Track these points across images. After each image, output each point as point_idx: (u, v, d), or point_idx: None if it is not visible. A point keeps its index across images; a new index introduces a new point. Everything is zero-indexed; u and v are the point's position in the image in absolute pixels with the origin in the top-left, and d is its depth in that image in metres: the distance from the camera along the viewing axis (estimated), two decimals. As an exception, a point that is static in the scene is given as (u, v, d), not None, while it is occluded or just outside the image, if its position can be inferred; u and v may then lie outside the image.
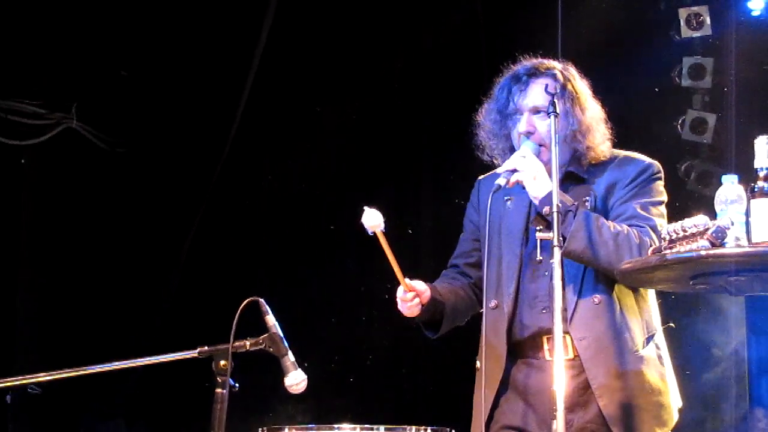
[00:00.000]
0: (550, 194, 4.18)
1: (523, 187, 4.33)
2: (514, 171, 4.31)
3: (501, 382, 4.44)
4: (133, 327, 7.14)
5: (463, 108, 4.87)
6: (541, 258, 4.35)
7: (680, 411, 4.45)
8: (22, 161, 7.26)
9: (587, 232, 4.21)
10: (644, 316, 4.44)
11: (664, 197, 4.50)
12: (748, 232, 3.74)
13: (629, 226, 4.30)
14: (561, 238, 4.03)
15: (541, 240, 4.32)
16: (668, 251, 3.76)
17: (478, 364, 4.58)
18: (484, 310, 4.56)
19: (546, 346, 4.41)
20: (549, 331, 4.32)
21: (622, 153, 4.59)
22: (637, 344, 4.36)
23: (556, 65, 4.58)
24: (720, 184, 7.07)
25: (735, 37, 7.26)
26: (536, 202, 4.31)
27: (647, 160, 4.55)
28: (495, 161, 4.66)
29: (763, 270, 3.69)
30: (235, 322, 3.91)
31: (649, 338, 4.42)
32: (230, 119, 7.47)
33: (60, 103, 7.37)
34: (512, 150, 4.53)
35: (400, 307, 4.46)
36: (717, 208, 3.81)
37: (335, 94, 7.45)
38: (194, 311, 7.02)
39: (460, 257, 4.82)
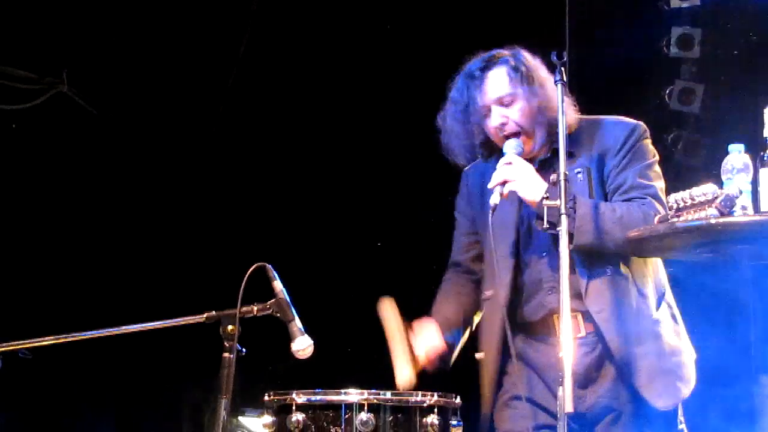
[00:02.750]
0: (548, 191, 4.18)
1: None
2: (505, 182, 4.29)
3: (502, 362, 4.49)
4: (130, 293, 7.13)
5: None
6: (547, 225, 4.29)
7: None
8: (13, 126, 7.22)
9: (592, 224, 4.22)
10: (654, 277, 4.48)
11: (656, 156, 4.51)
12: (754, 200, 3.77)
13: (630, 199, 4.32)
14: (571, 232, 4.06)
15: (536, 227, 4.33)
16: (677, 219, 3.78)
17: (477, 356, 4.64)
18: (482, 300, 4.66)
19: (557, 325, 4.40)
20: (557, 311, 4.36)
21: (602, 117, 4.58)
22: (651, 308, 4.40)
23: (504, 52, 4.54)
24: (707, 153, 7.18)
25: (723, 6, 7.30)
26: (534, 207, 4.30)
27: (631, 121, 4.53)
28: (466, 164, 4.70)
29: (771, 239, 3.72)
30: (242, 287, 3.92)
31: (660, 298, 4.45)
32: (224, 83, 7.46)
33: (51, 68, 7.33)
34: (483, 146, 4.56)
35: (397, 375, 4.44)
36: (723, 177, 3.83)
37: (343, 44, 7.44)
38: (201, 277, 7.02)
39: (460, 254, 4.82)
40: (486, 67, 4.49)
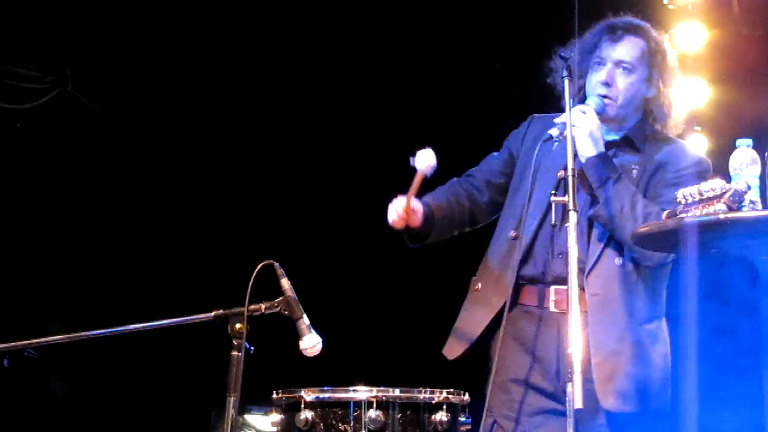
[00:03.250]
0: (596, 157, 4.21)
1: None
2: (571, 125, 4.28)
3: (502, 309, 4.43)
4: (137, 292, 7.14)
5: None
6: (555, 222, 4.28)
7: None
8: (18, 125, 7.22)
9: (621, 202, 4.24)
10: (658, 294, 4.48)
11: None
12: (763, 195, 3.77)
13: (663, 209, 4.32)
14: (595, 196, 4.13)
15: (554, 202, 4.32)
16: (685, 215, 3.77)
17: (478, 285, 4.61)
18: (495, 234, 4.64)
19: (553, 297, 4.43)
20: (557, 281, 4.40)
21: (682, 142, 4.63)
22: (644, 318, 4.39)
23: (650, 29, 4.59)
24: (714, 149, 7.15)
25: (727, 2, 7.28)
26: (582, 159, 4.32)
27: (703, 157, 4.58)
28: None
29: (780, 234, 3.72)
30: (250, 285, 3.92)
31: (656, 316, 4.45)
32: (228, 81, 7.46)
33: (55, 67, 7.33)
34: (582, 96, 4.54)
35: (389, 212, 4.46)
36: (731, 172, 3.83)
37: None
38: (209, 274, 7.02)
39: (484, 172, 4.79)
40: (629, 30, 4.53)
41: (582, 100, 4.51)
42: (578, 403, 3.77)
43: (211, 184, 7.51)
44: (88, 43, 7.28)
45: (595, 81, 4.49)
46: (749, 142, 3.85)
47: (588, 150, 4.31)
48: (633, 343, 4.35)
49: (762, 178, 3.80)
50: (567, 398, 3.83)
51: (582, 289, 4.30)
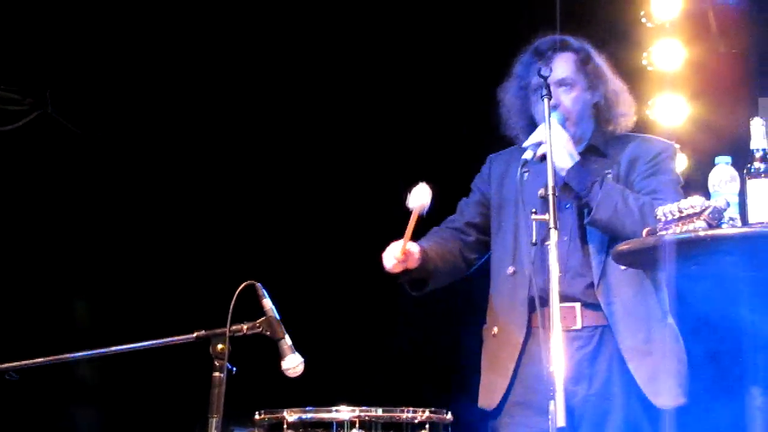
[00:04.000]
0: (576, 166, 4.25)
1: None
2: (540, 143, 4.32)
3: (525, 343, 4.49)
4: (114, 314, 7.11)
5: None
6: (536, 241, 4.30)
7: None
8: (-4, 148, 7.21)
9: (613, 200, 4.30)
10: (662, 293, 4.53)
11: (680, 179, 4.61)
12: (742, 212, 3.79)
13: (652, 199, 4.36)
14: (586, 206, 4.18)
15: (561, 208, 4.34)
16: (665, 232, 3.79)
17: (495, 329, 4.62)
18: (493, 277, 4.65)
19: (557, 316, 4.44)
20: (568, 299, 4.40)
21: (640, 135, 4.72)
22: (660, 314, 4.46)
23: (575, 41, 4.66)
24: (693, 166, 7.18)
25: (705, 20, 7.32)
26: (562, 173, 4.37)
27: (666, 141, 4.69)
28: (518, 138, 4.70)
29: (758, 250, 3.73)
30: (232, 305, 3.92)
31: (667, 312, 4.52)
32: (208, 103, 7.45)
33: (34, 89, 7.31)
34: (534, 127, 4.54)
35: (384, 257, 4.46)
36: (711, 189, 3.85)
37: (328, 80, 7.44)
38: (191, 295, 7.00)
39: (463, 216, 4.83)
40: (556, 48, 4.60)
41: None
42: (561, 421, 3.78)
43: (192, 204, 7.48)
44: (67, 64, 7.27)
45: (542, 104, 4.47)
46: (728, 159, 3.88)
47: (565, 162, 4.36)
48: (659, 341, 4.42)
49: (741, 195, 3.82)
50: (549, 417, 3.83)
51: (589, 303, 4.35)
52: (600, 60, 4.67)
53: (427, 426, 4.17)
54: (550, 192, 4.06)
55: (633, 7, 7.46)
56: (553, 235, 4.00)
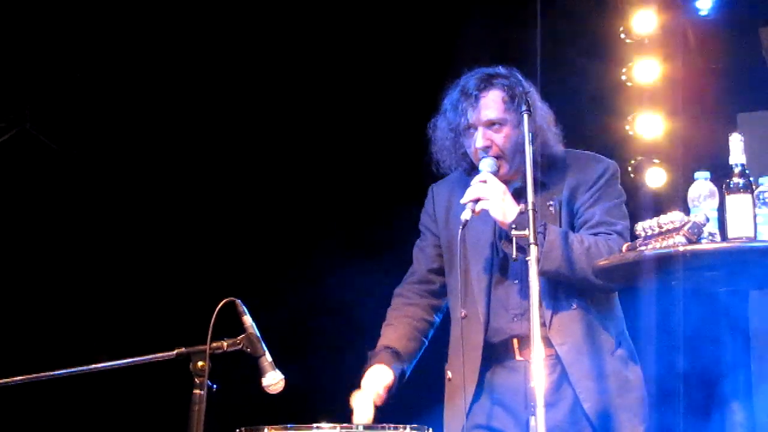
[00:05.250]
0: (518, 216, 4.21)
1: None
2: (478, 199, 4.29)
3: (479, 386, 4.46)
4: (91, 330, 7.10)
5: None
6: (517, 255, 4.31)
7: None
8: (-24, 165, 7.20)
9: (560, 250, 4.24)
10: (615, 313, 4.52)
11: (624, 196, 4.56)
12: (721, 228, 3.81)
13: (597, 234, 4.35)
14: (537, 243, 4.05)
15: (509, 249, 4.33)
16: (645, 248, 3.80)
17: (449, 374, 4.62)
18: (452, 320, 4.63)
19: (516, 346, 4.45)
20: (519, 336, 4.41)
21: (578, 152, 4.64)
22: (613, 344, 4.43)
23: (502, 73, 4.56)
24: (672, 181, 7.22)
25: (683, 36, 7.36)
26: (505, 227, 4.32)
27: (605, 160, 4.60)
28: (450, 170, 4.68)
29: (738, 265, 3.75)
30: (212, 322, 3.90)
31: (620, 335, 4.49)
32: (187, 118, 7.46)
33: (13, 106, 7.31)
34: (468, 164, 4.55)
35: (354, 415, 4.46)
36: (690, 204, 3.87)
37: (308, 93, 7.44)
38: (170, 312, 6.99)
39: (422, 264, 4.78)
40: (483, 87, 4.49)
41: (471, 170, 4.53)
42: (542, 435, 3.77)
43: (171, 221, 7.48)
44: (46, 81, 7.27)
45: (475, 149, 4.47)
46: (707, 174, 3.89)
47: (506, 216, 4.28)
48: (613, 375, 4.39)
49: (720, 210, 3.83)
50: (530, 432, 3.84)
51: (546, 337, 4.33)
52: (526, 87, 4.52)
53: (408, 442, 4.15)
54: (530, 207, 4.04)
55: (612, 23, 7.50)
56: (533, 250, 3.98)
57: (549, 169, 4.51)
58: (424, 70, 7.02)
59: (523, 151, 4.32)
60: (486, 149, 4.44)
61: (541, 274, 4.12)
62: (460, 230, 4.29)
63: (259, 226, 7.45)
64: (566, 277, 4.29)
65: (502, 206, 4.29)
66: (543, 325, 4.26)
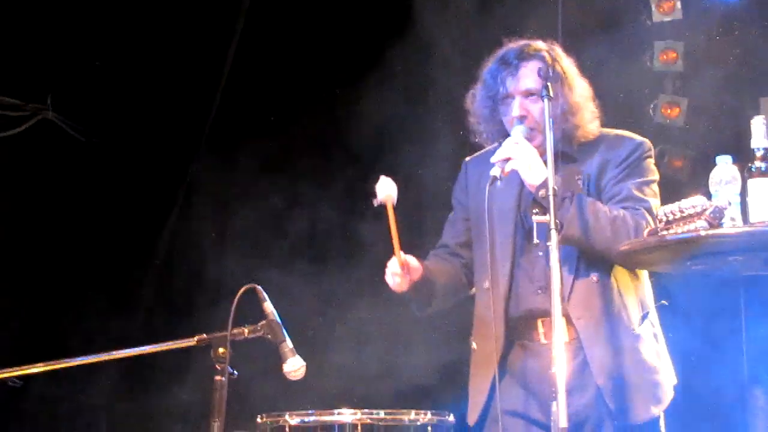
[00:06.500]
0: (545, 181, 4.19)
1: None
2: (508, 159, 4.29)
3: (498, 365, 4.40)
4: (112, 319, 7.12)
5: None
6: (538, 241, 4.34)
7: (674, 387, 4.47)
8: (-2, 153, 7.22)
9: (584, 217, 4.22)
10: (639, 295, 4.46)
11: (656, 176, 4.53)
12: (743, 212, 3.78)
13: (624, 208, 4.31)
14: (558, 222, 4.02)
15: (537, 222, 4.33)
16: (666, 232, 3.78)
17: (474, 344, 4.59)
18: (476, 291, 4.60)
19: (541, 329, 4.41)
20: (544, 313, 4.33)
21: (612, 132, 4.60)
22: (633, 323, 4.38)
23: (542, 46, 4.56)
24: (694, 166, 7.19)
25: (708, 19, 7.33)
26: (532, 189, 4.31)
27: (638, 138, 4.57)
28: (487, 145, 4.68)
29: (761, 249, 3.72)
30: (232, 309, 3.91)
31: (644, 316, 4.44)
32: (207, 107, 7.46)
33: (35, 94, 7.32)
34: (505, 134, 4.50)
35: (387, 278, 4.42)
36: (711, 189, 3.84)
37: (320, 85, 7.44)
38: (189, 300, 7.01)
39: (451, 237, 4.80)
40: (522, 57, 4.50)
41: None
42: (563, 422, 3.76)
43: (191, 209, 7.50)
44: (68, 69, 7.27)
45: (511, 118, 4.47)
46: (729, 158, 3.86)
47: (535, 178, 4.28)
48: (630, 353, 4.35)
49: (742, 194, 3.80)
50: (552, 417, 3.81)
51: (569, 320, 4.32)
52: (567, 64, 4.56)
53: (429, 428, 4.18)
54: (551, 193, 4.02)
55: (634, 5, 7.46)
56: (554, 236, 3.96)
57: (582, 145, 4.52)
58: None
59: (556, 123, 4.33)
60: (522, 118, 4.44)
61: (563, 240, 4.09)
62: (488, 186, 4.28)
63: (272, 213, 7.45)
64: (589, 245, 4.25)
65: (532, 168, 4.29)
66: (562, 298, 4.24)
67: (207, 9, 7.31)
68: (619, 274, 4.41)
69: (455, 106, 4.85)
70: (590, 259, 4.34)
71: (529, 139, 4.40)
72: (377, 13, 7.38)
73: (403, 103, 7.26)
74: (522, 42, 4.59)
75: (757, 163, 3.76)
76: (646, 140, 4.57)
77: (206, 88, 7.47)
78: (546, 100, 4.18)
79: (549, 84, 4.22)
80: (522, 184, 4.43)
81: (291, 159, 7.47)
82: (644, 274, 4.52)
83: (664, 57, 7.53)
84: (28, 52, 7.10)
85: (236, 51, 7.51)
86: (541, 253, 4.41)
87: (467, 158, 4.84)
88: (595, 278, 4.36)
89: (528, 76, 4.47)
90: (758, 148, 3.79)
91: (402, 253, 4.37)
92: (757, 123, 3.82)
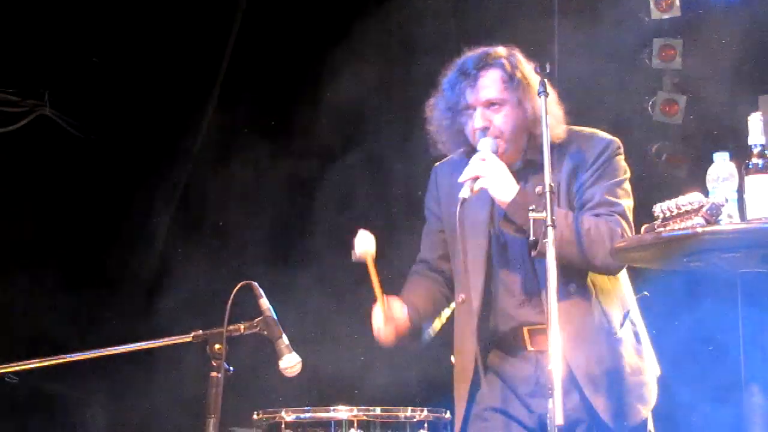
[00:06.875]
0: (517, 194, 4.17)
1: None
2: (476, 178, 4.24)
3: (476, 372, 4.37)
4: (112, 313, 7.12)
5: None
6: (509, 253, 4.29)
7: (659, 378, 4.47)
8: (-5, 149, 7.23)
9: (558, 231, 4.07)
10: (619, 295, 4.44)
11: (627, 173, 4.45)
12: (740, 209, 3.77)
13: (597, 215, 4.27)
14: (534, 240, 3.98)
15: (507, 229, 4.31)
16: (663, 229, 3.77)
17: (452, 359, 4.56)
18: (454, 304, 4.58)
19: (527, 338, 4.39)
20: (529, 323, 4.35)
21: (580, 131, 4.52)
22: (615, 327, 4.36)
23: (502, 52, 4.47)
24: (691, 164, 7.19)
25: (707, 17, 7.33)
26: (503, 207, 4.27)
27: (606, 137, 4.48)
28: (448, 154, 4.63)
29: (758, 246, 3.71)
30: (229, 305, 3.91)
31: (625, 315, 4.41)
32: (204, 103, 7.46)
33: (33, 90, 7.33)
34: (466, 143, 4.48)
35: (374, 329, 4.40)
36: (709, 185, 3.83)
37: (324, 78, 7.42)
38: (187, 295, 7.00)
39: (429, 251, 4.74)
40: (481, 66, 4.42)
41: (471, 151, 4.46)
42: (559, 419, 3.74)
43: (188, 207, 7.49)
44: (65, 66, 7.27)
45: (473, 129, 4.41)
46: (726, 155, 3.85)
47: (505, 195, 4.24)
48: (613, 359, 4.33)
49: (739, 191, 3.80)
50: (548, 414, 3.80)
51: (541, 330, 4.26)
52: (528, 70, 4.44)
53: (426, 425, 4.18)
54: (547, 189, 4.00)
55: (633, 3, 7.46)
56: (551, 233, 3.94)
57: (551, 149, 4.35)
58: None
59: (525, 133, 4.36)
60: (484, 129, 4.37)
61: (538, 255, 4.05)
62: (458, 208, 4.24)
63: (276, 211, 7.45)
64: (565, 259, 4.17)
65: (501, 185, 4.24)
66: (541, 312, 4.23)
67: (204, 6, 7.30)
68: (597, 279, 4.38)
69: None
70: (566, 271, 4.23)
71: (496, 148, 4.35)
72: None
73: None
74: (481, 50, 4.50)
75: (755, 160, 3.76)
76: (615, 139, 4.49)
77: (203, 84, 7.45)
78: (543, 97, 4.15)
79: (546, 80, 4.19)
80: (493, 201, 4.40)
81: (291, 158, 7.46)
82: (622, 279, 4.50)
83: (663, 54, 7.53)
84: (25, 49, 7.10)
85: (234, 47, 7.49)
86: (520, 266, 4.39)
87: (437, 164, 4.76)
88: (573, 288, 4.32)
89: (488, 86, 4.39)
90: (755, 145, 3.79)
91: (386, 299, 4.36)
92: (754, 120, 3.82)
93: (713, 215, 3.68)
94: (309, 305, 6.85)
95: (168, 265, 7.42)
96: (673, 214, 3.78)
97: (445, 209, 4.60)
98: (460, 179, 4.28)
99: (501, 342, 4.46)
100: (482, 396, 4.43)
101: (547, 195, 3.98)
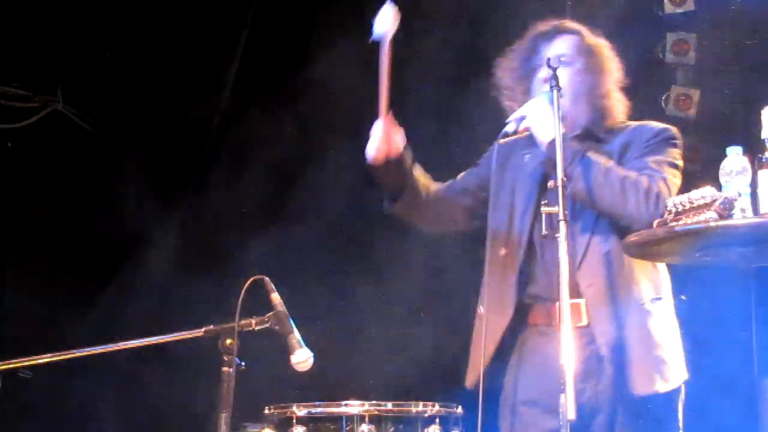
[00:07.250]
0: (555, 140, 4.18)
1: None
2: (523, 117, 4.29)
3: (515, 349, 4.40)
4: (125, 310, 7.13)
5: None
6: (545, 232, 4.28)
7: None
8: (9, 144, 7.22)
9: (593, 172, 4.21)
10: (654, 279, 4.41)
11: (680, 161, 4.46)
12: (753, 203, 3.76)
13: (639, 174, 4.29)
14: (565, 180, 4.00)
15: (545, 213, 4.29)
16: (676, 223, 3.76)
17: (480, 309, 4.48)
18: (488, 256, 4.53)
19: (557, 315, 4.38)
20: (574, 295, 4.24)
21: (639, 122, 4.59)
22: (644, 298, 4.33)
23: (576, 26, 4.61)
24: (705, 158, 7.17)
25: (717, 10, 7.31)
26: (543, 148, 4.29)
27: (664, 125, 4.55)
28: (511, 109, 4.60)
29: (770, 241, 3.71)
30: (240, 300, 3.90)
31: (657, 299, 4.38)
32: (217, 99, 7.46)
33: (46, 85, 7.34)
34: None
35: (368, 148, 4.43)
36: (722, 180, 3.81)
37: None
38: (198, 290, 7.00)
39: (463, 180, 4.81)
40: (560, 30, 4.58)
41: None
42: (571, 414, 3.73)
43: (199, 201, 7.50)
44: (78, 61, 7.29)
45: (538, 80, 4.48)
46: (739, 149, 3.84)
47: (546, 136, 4.26)
48: (637, 326, 4.30)
49: (752, 185, 3.78)
50: (560, 409, 3.79)
51: (578, 292, 4.28)
52: (600, 41, 4.59)
53: (437, 420, 4.16)
54: (560, 183, 3.99)
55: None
56: (563, 227, 3.93)
57: (608, 129, 4.52)
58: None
59: (586, 102, 4.45)
60: (547, 80, 4.35)
61: (571, 193, 4.13)
62: (498, 142, 4.33)
63: (286, 207, 7.44)
64: (596, 201, 4.23)
65: (544, 125, 4.26)
66: (573, 264, 4.22)
67: (217, 2, 7.31)
68: None
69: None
70: (608, 227, 4.30)
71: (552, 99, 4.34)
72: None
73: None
74: (562, 20, 4.65)
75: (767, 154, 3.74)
76: (673, 127, 4.55)
77: (216, 80, 7.46)
78: (555, 92, 4.17)
79: (557, 75, 4.21)
80: (543, 174, 4.42)
81: (309, 153, 7.46)
82: (662, 266, 4.47)
83: (677, 48, 7.50)
84: (38, 45, 7.11)
85: (247, 42, 7.49)
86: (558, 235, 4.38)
87: (497, 143, 4.74)
88: (608, 247, 4.32)
89: (562, 45, 4.54)
90: (768, 139, 3.78)
91: (390, 112, 4.36)
92: (767, 113, 3.80)
93: (726, 209, 3.67)
94: (321, 299, 6.86)
95: (182, 260, 7.44)
96: (686, 208, 3.76)
97: (496, 171, 4.56)
98: (510, 118, 4.35)
99: (534, 315, 4.45)
100: (517, 385, 4.42)
101: (560, 189, 3.98)
